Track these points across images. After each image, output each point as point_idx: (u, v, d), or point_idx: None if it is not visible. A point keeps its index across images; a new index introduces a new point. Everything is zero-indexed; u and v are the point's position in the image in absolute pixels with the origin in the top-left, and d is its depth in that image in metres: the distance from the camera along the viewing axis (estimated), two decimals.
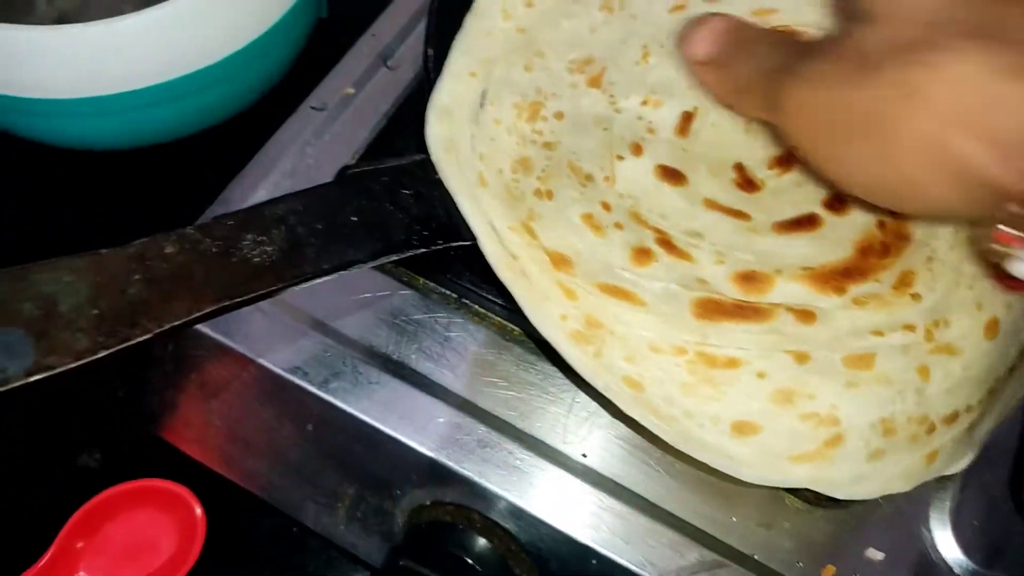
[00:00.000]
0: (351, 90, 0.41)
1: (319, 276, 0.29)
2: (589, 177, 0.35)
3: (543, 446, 0.34)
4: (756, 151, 0.36)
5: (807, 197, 0.35)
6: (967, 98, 0.25)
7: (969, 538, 0.33)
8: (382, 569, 0.37)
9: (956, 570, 0.33)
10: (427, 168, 0.33)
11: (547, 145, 0.35)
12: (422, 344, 0.36)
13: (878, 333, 0.31)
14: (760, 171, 0.36)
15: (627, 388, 0.30)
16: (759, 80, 0.31)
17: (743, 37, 0.34)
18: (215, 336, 0.35)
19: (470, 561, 0.33)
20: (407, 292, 0.37)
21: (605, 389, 0.30)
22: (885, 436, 0.30)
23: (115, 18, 0.41)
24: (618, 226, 0.33)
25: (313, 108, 0.40)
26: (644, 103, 0.37)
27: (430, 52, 0.34)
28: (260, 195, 0.38)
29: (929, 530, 0.33)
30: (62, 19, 0.55)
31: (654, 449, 0.34)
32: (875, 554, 0.32)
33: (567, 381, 0.35)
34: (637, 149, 0.35)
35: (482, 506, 0.34)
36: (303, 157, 0.39)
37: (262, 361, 0.35)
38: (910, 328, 0.32)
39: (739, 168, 0.36)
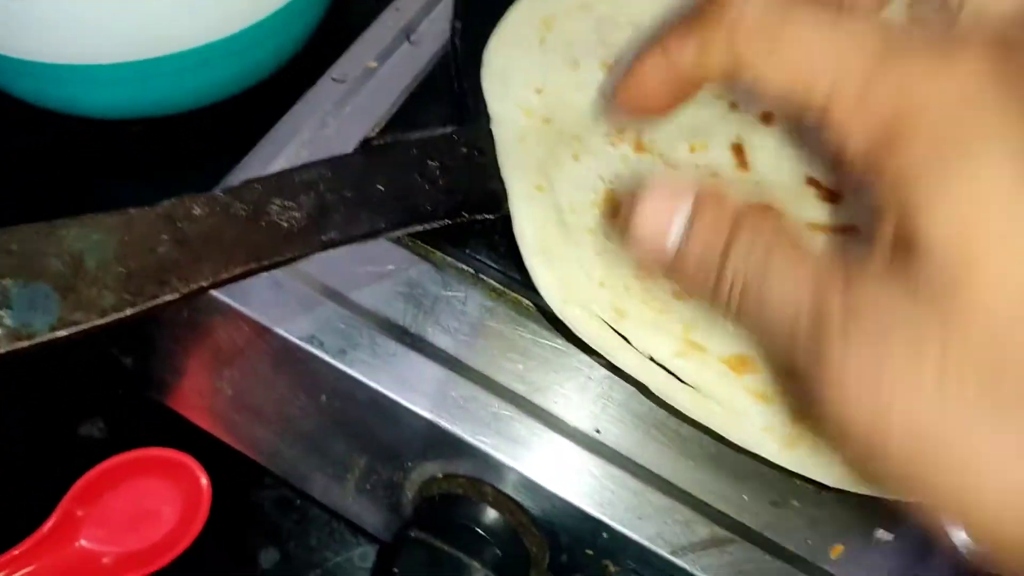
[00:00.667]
0: (373, 63, 0.41)
1: (346, 243, 0.30)
2: None
3: (557, 421, 0.34)
4: (814, 159, 0.37)
5: None
6: None
7: None
8: (392, 541, 0.37)
9: (963, 551, 0.33)
10: (453, 142, 0.33)
11: None
12: (438, 317, 0.36)
13: None
14: (830, 177, 0.36)
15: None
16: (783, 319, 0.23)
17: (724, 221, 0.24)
18: (231, 303, 0.35)
19: (482, 533, 0.34)
20: (425, 266, 0.37)
21: (839, 484, 0.31)
22: None
23: None
24: None
25: (334, 80, 0.40)
26: (692, 150, 0.37)
27: (457, 25, 0.34)
28: (279, 164, 0.37)
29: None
30: None
31: (667, 427, 0.34)
32: (884, 535, 0.33)
33: (581, 357, 0.35)
34: None
35: (494, 479, 0.34)
36: (323, 128, 0.39)
37: (278, 329, 0.35)
38: None
39: (813, 182, 0.36)
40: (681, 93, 0.27)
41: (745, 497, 0.33)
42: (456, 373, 0.35)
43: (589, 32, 0.38)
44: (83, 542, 0.40)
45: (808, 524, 0.33)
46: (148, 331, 0.39)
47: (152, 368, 0.40)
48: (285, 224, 0.29)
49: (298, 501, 0.42)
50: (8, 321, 0.24)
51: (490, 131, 0.35)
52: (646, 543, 0.32)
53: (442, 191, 0.32)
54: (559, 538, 0.34)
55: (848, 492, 0.34)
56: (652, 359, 0.32)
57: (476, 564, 0.33)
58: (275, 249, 0.28)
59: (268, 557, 0.41)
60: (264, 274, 0.35)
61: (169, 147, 0.51)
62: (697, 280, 0.24)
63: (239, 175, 0.37)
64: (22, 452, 0.43)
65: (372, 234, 0.30)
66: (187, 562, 0.40)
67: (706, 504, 0.33)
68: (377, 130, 0.38)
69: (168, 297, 0.26)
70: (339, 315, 0.35)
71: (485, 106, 0.36)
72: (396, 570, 0.33)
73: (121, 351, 0.44)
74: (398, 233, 0.31)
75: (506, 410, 0.34)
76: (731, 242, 0.23)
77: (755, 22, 0.24)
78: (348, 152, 0.32)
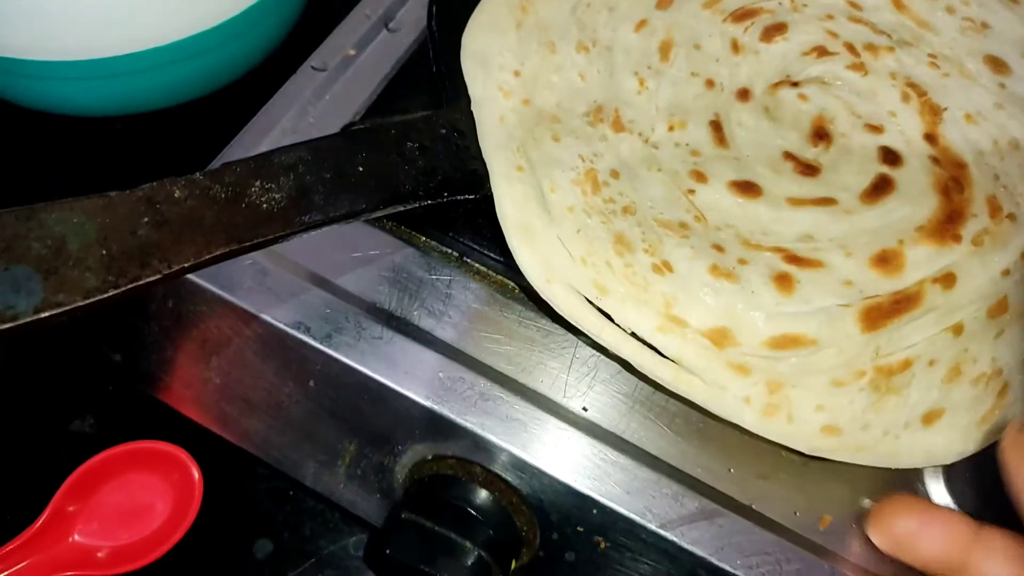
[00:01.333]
0: (352, 51, 0.41)
1: (327, 223, 0.30)
2: (683, 224, 0.34)
3: (544, 400, 0.34)
4: (791, 134, 0.37)
5: (863, 160, 0.36)
6: None
7: (961, 489, 0.34)
8: (383, 525, 0.37)
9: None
10: (431, 124, 0.33)
11: (626, 210, 0.34)
12: (424, 301, 0.36)
13: (1006, 272, 0.33)
14: (808, 152, 0.37)
15: (829, 438, 0.31)
16: None
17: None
18: (216, 291, 0.35)
19: (472, 512, 0.34)
20: (409, 250, 0.37)
21: (816, 451, 0.31)
22: None
23: None
24: (742, 262, 0.33)
25: (314, 68, 0.40)
26: (670, 129, 0.37)
27: (433, 9, 0.35)
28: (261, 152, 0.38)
29: (923, 482, 0.34)
30: None
31: (653, 403, 0.35)
32: (871, 505, 0.33)
33: (566, 337, 0.36)
34: (699, 176, 0.35)
35: (484, 459, 0.34)
36: (304, 116, 0.39)
37: (264, 316, 0.35)
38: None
39: (790, 156, 0.36)
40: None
41: (732, 470, 0.34)
42: (443, 355, 0.35)
43: (565, 15, 0.39)
44: (77, 537, 0.40)
45: (795, 496, 0.33)
46: (136, 325, 0.39)
47: (141, 362, 0.40)
48: (265, 205, 0.29)
49: (291, 491, 0.42)
50: None
51: (470, 113, 0.35)
52: (635, 517, 0.32)
53: (421, 172, 0.32)
54: (549, 516, 0.34)
55: (834, 464, 0.34)
56: (634, 335, 0.32)
57: (468, 544, 0.33)
58: (256, 230, 0.28)
59: (262, 547, 0.41)
60: (249, 262, 0.36)
61: (153, 143, 0.51)
62: None
63: (220, 164, 0.37)
64: (14, 449, 0.43)
65: (352, 215, 0.30)
66: (181, 554, 0.40)
67: (693, 478, 0.33)
68: (358, 116, 0.39)
69: (150, 278, 0.27)
70: (325, 301, 0.36)
71: (464, 88, 0.36)
72: (388, 552, 0.33)
73: (110, 347, 0.44)
74: (379, 214, 0.31)
75: (493, 390, 0.34)
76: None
77: None
78: (331, 134, 0.32)
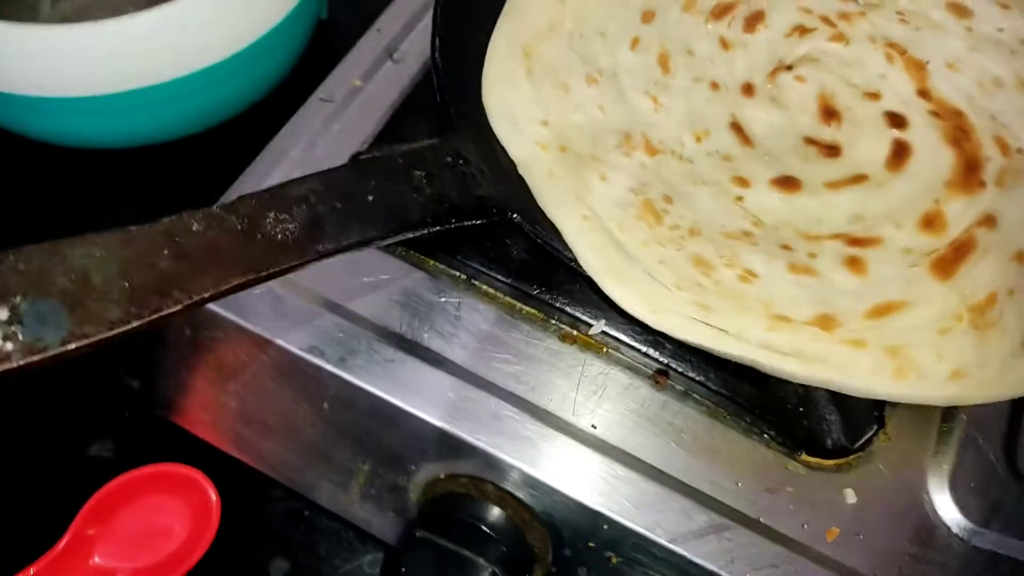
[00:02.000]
0: (358, 82, 0.42)
1: (340, 251, 0.31)
2: (747, 233, 0.36)
3: (553, 418, 0.35)
4: (802, 118, 0.39)
5: (874, 129, 0.38)
6: None
7: (967, 500, 0.35)
8: (398, 543, 0.38)
9: (955, 530, 0.34)
10: (437, 152, 0.34)
11: (692, 232, 0.36)
12: (434, 323, 0.37)
13: None
14: (824, 133, 0.38)
15: (958, 384, 0.32)
16: None
17: None
18: (232, 317, 0.36)
19: (486, 530, 0.34)
20: (418, 274, 0.38)
21: (951, 400, 0.32)
22: None
23: (126, 16, 0.42)
24: (812, 256, 0.35)
25: (322, 100, 0.41)
26: (697, 140, 0.39)
27: (437, 41, 0.36)
28: (272, 183, 0.39)
29: (928, 493, 0.35)
30: (66, 22, 0.56)
31: (661, 419, 0.35)
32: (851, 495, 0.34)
33: (575, 356, 0.36)
34: (741, 182, 0.37)
35: (496, 477, 0.35)
36: (313, 147, 0.40)
37: (279, 341, 0.36)
38: None
39: (810, 141, 0.38)
40: None
41: (739, 484, 0.34)
42: (453, 376, 0.36)
43: (565, 51, 0.40)
44: (97, 559, 0.41)
45: (802, 508, 0.34)
46: (154, 352, 0.40)
47: (159, 388, 0.41)
48: (280, 236, 0.30)
49: (306, 512, 0.43)
50: (21, 336, 0.25)
51: (474, 140, 0.36)
52: (645, 532, 0.33)
53: (429, 199, 0.33)
54: (561, 532, 0.35)
55: (839, 475, 0.35)
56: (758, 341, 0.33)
57: (481, 561, 0.34)
58: (272, 260, 0.29)
59: (279, 567, 0.42)
60: (264, 289, 0.37)
61: (164, 174, 0.53)
62: None
63: (233, 195, 0.38)
64: (35, 473, 0.44)
65: (364, 243, 0.31)
66: (200, 575, 0.40)
67: (702, 492, 0.34)
68: (365, 146, 0.40)
69: (172, 309, 0.27)
70: (338, 325, 0.36)
71: (468, 116, 0.37)
72: (404, 570, 0.33)
73: (128, 373, 0.45)
74: (389, 241, 0.32)
75: (504, 409, 0.35)
76: None
77: None
78: (340, 165, 0.33)
